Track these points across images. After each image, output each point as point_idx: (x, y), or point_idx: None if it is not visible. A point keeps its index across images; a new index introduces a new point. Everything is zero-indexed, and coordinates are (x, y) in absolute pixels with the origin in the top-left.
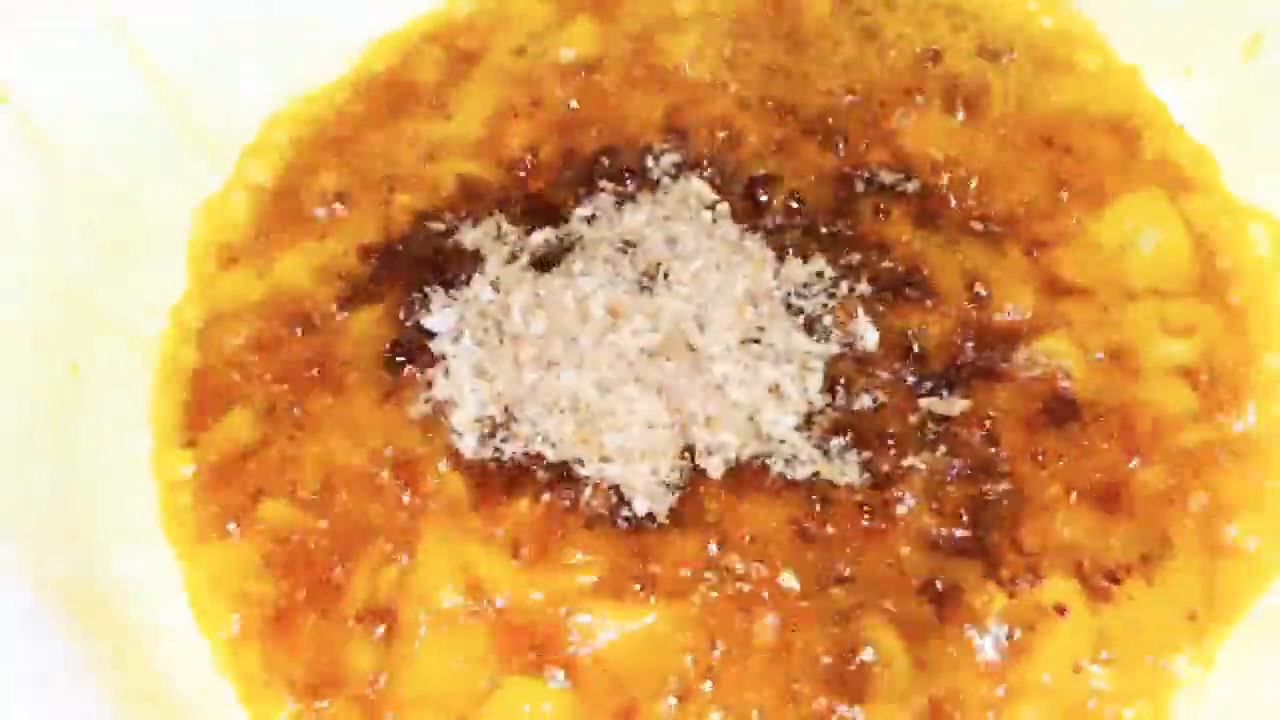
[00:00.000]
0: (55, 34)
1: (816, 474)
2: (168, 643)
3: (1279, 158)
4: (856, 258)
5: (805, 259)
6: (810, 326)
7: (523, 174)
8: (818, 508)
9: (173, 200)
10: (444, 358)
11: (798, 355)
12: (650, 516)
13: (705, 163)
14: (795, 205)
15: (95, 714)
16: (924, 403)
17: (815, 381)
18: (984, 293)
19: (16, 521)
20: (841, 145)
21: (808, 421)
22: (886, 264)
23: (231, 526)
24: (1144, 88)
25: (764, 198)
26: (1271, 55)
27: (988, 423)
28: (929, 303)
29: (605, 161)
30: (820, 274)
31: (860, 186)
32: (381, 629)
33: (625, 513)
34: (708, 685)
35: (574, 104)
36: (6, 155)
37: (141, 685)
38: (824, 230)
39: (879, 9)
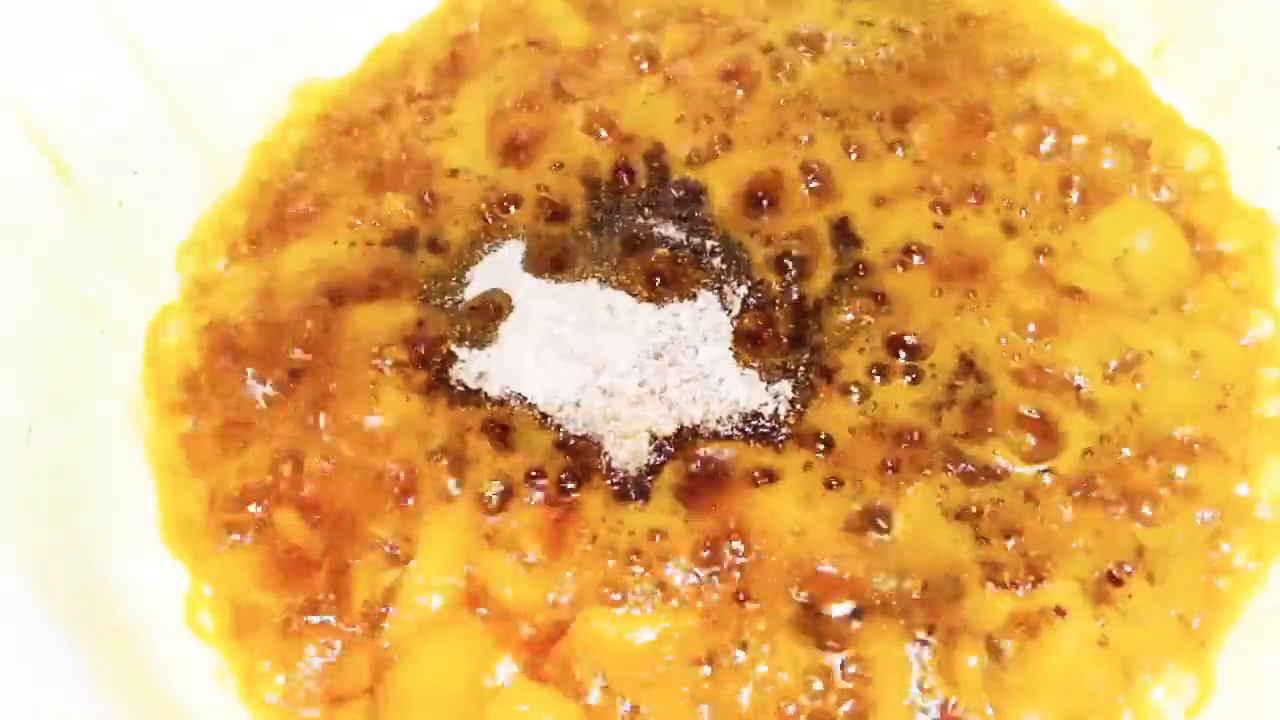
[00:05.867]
0: (57, 34)
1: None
2: (167, 644)
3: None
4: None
5: None
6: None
7: (525, 173)
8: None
9: (173, 199)
10: (450, 353)
11: None
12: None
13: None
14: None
15: (95, 714)
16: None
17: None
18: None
19: (17, 523)
20: None
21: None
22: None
23: (231, 532)
24: (1153, 94)
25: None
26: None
27: (991, 426)
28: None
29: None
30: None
31: None
32: (382, 632)
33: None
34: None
35: (576, 104)
36: (7, 156)
37: (141, 686)
38: None
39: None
